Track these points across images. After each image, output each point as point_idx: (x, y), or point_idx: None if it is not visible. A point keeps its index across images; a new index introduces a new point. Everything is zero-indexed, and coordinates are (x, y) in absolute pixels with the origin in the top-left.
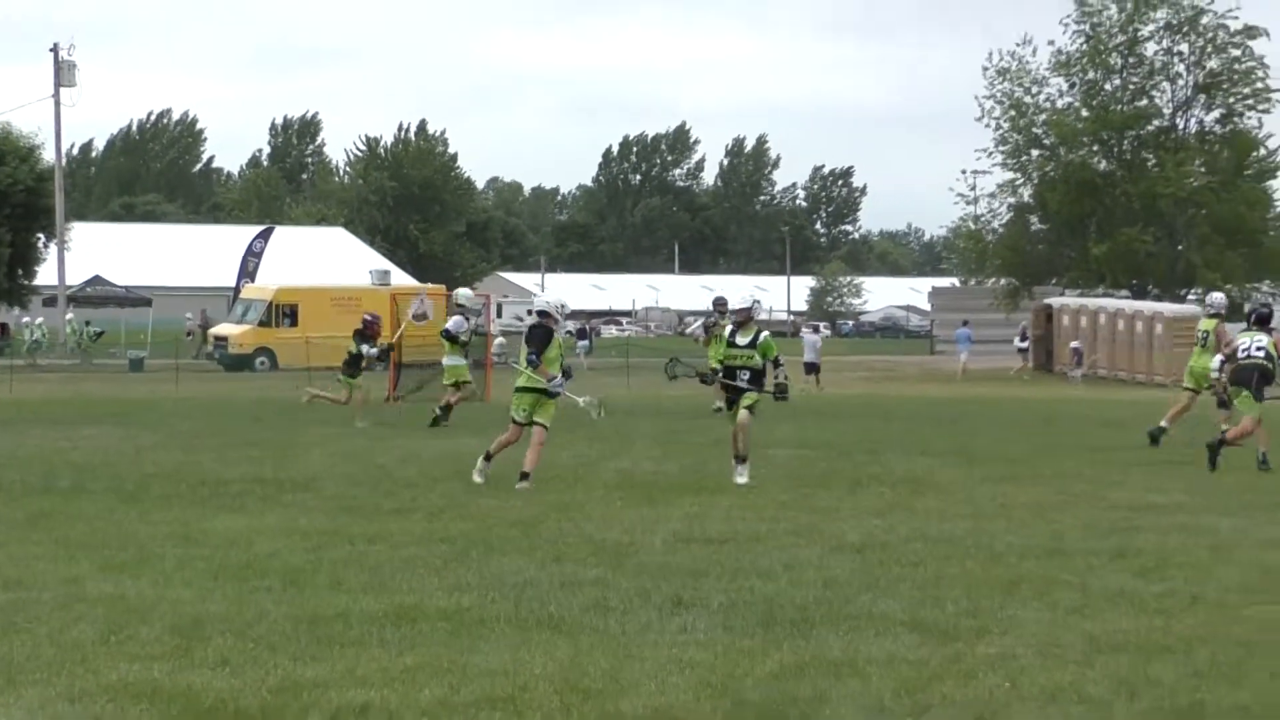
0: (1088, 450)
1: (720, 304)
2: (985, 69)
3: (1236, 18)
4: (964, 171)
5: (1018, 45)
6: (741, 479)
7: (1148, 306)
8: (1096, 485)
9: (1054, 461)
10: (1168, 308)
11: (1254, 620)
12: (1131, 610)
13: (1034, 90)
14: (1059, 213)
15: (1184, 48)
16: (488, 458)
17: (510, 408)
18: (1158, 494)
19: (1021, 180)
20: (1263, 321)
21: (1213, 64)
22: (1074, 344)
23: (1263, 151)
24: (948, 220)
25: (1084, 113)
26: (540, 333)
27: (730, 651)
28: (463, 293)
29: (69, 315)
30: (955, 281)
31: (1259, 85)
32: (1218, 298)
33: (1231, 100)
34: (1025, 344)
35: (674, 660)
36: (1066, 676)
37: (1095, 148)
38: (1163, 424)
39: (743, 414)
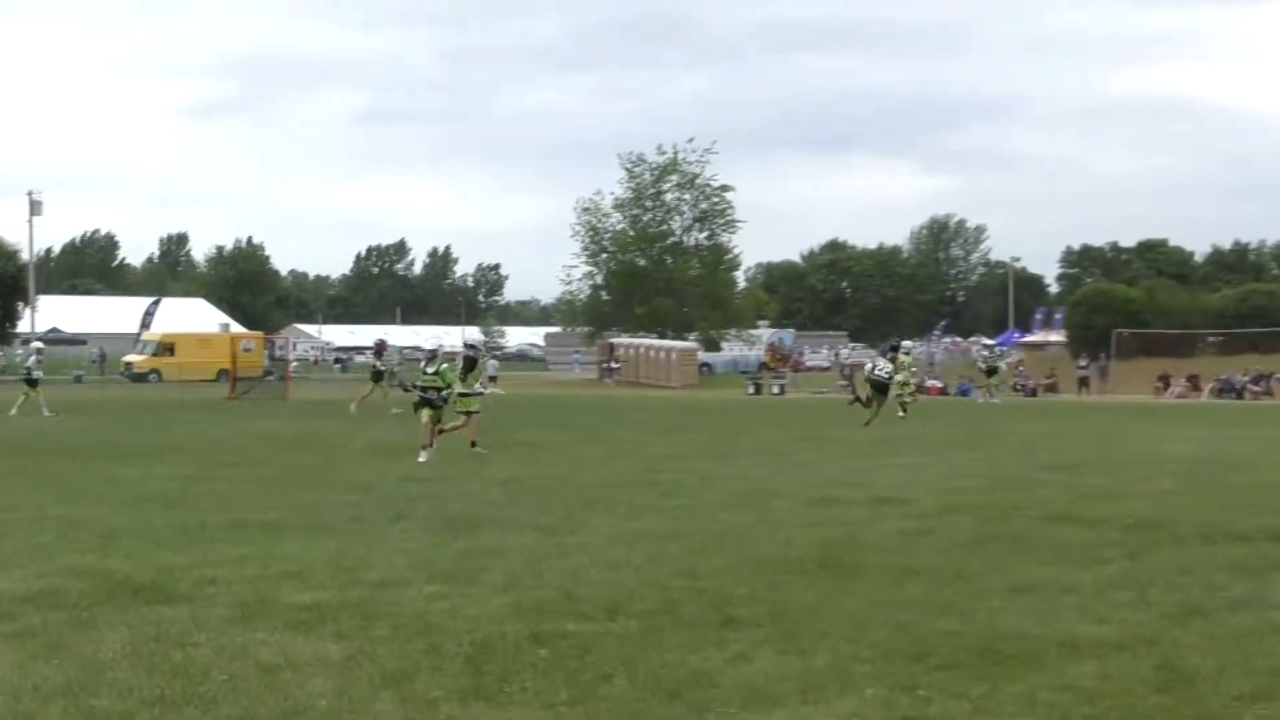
0: (632, 424)
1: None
2: (573, 208)
3: (716, 178)
4: (563, 266)
5: (594, 194)
6: (422, 457)
7: (668, 344)
8: (638, 445)
9: (611, 431)
10: (678, 345)
11: (727, 522)
12: (657, 516)
13: (603, 219)
14: (618, 290)
15: (687, 196)
16: (430, 445)
17: (456, 406)
18: (674, 449)
19: (597, 271)
20: (894, 350)
21: (703, 206)
22: (613, 364)
23: (731, 255)
24: (556, 293)
25: (631, 232)
26: (470, 361)
27: (430, 545)
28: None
29: (35, 351)
30: (559, 329)
31: (729, 218)
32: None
33: (714, 227)
34: (617, 365)
35: (398, 550)
36: (620, 554)
37: (639, 252)
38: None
39: (426, 414)
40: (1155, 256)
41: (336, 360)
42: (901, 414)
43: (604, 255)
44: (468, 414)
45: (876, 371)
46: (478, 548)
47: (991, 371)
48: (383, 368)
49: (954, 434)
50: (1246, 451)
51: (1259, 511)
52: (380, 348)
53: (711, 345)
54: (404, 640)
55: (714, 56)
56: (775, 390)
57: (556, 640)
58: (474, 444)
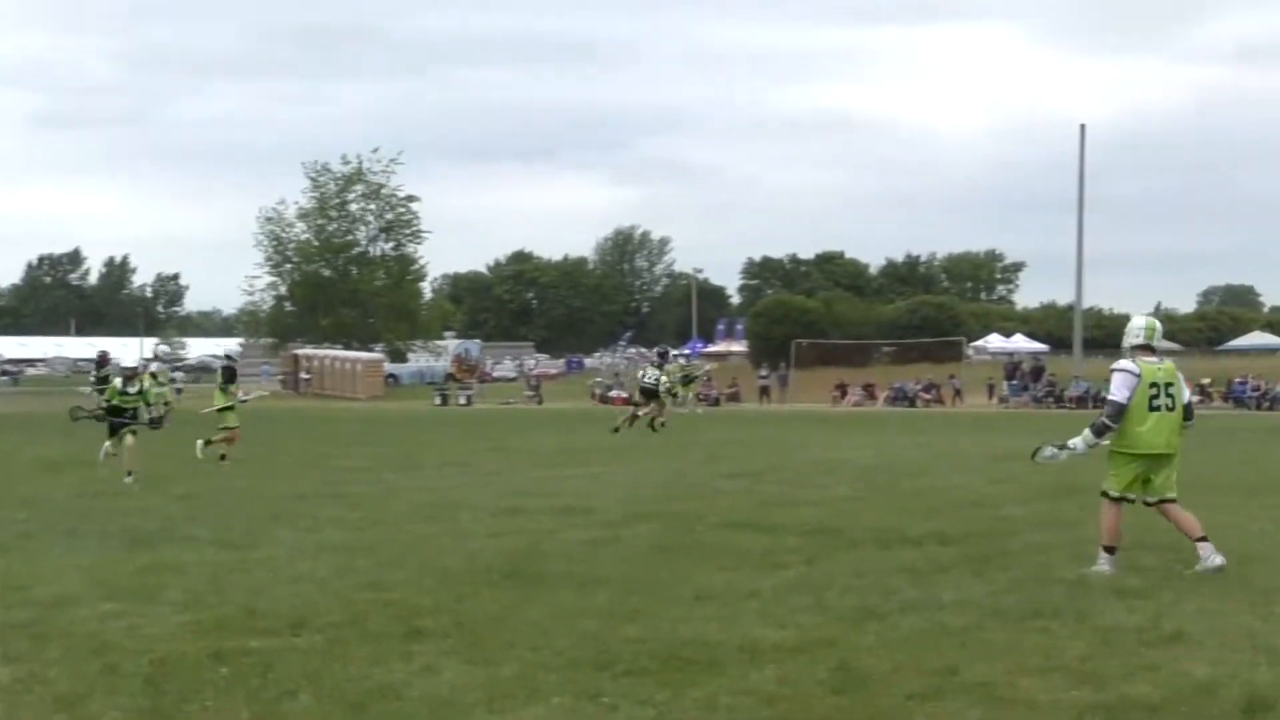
0: (317, 436)
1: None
2: (256, 218)
3: (402, 188)
4: (246, 277)
5: (278, 204)
6: (128, 479)
7: (354, 355)
8: (324, 457)
9: (296, 443)
10: (364, 356)
11: (413, 534)
12: (342, 529)
13: (287, 229)
14: (302, 301)
15: (373, 206)
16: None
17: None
18: (360, 461)
19: (281, 281)
20: (662, 357)
21: (389, 216)
22: (304, 375)
23: (417, 265)
24: (239, 304)
25: (315, 243)
26: (231, 371)
27: (106, 561)
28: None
29: None
30: (242, 340)
31: (415, 228)
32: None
33: (400, 237)
34: (307, 376)
35: (70, 566)
36: (304, 567)
37: (323, 263)
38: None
39: (129, 438)
40: (832, 268)
41: (4, 373)
42: (664, 421)
43: (288, 266)
44: (228, 429)
45: (645, 379)
46: (156, 564)
47: (688, 381)
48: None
49: (638, 443)
50: (918, 458)
51: (929, 516)
52: (103, 359)
53: (398, 356)
54: (78, 661)
55: (402, 67)
56: (462, 401)
57: (239, 657)
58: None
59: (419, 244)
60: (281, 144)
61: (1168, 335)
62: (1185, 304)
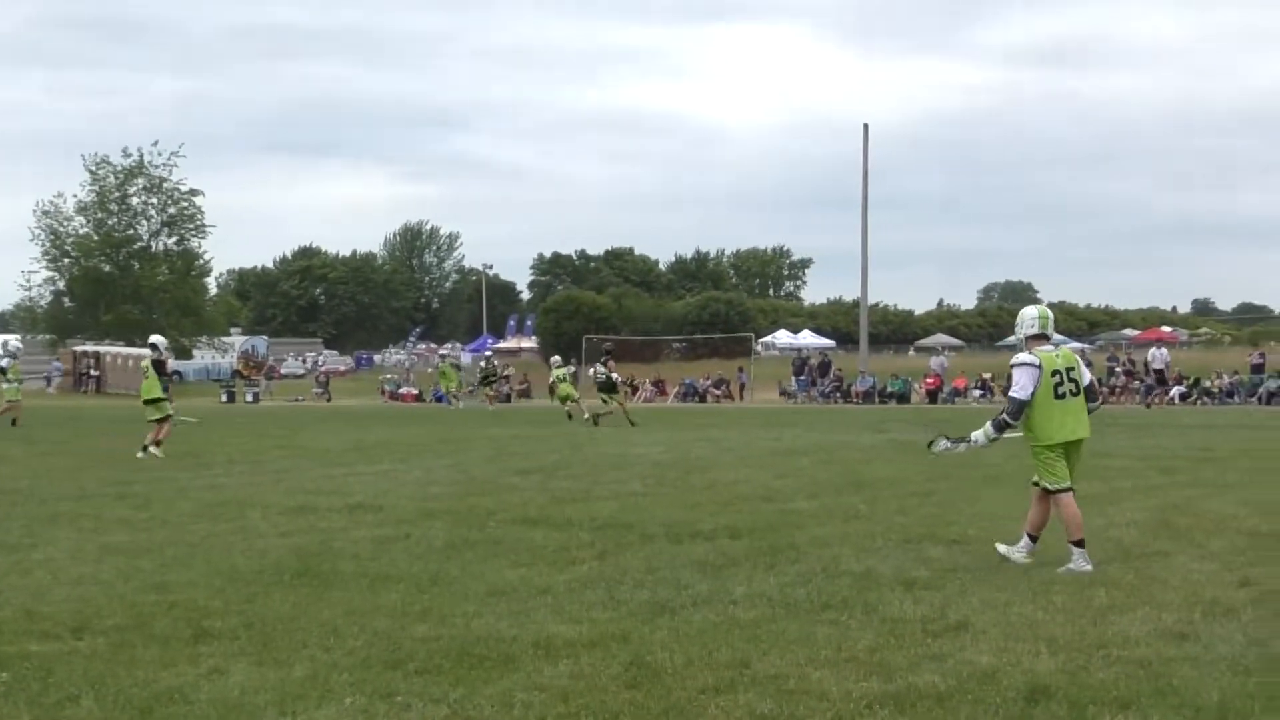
0: (102, 435)
1: None
2: (34, 211)
3: (185, 182)
4: (23, 272)
5: (55, 197)
6: None
7: (136, 351)
8: (108, 456)
9: (80, 442)
10: (148, 352)
11: (201, 533)
12: (127, 529)
13: (65, 223)
14: (81, 296)
15: (155, 200)
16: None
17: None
18: (145, 460)
19: (59, 276)
20: (608, 355)
21: (172, 210)
22: (93, 372)
23: (202, 261)
24: (13, 299)
25: (95, 237)
26: (159, 364)
27: None
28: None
29: None
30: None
31: (199, 223)
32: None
33: (183, 232)
34: (97, 374)
35: None
36: (87, 569)
37: (103, 257)
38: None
39: None
40: (622, 264)
41: None
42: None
43: (66, 260)
44: (162, 419)
45: (597, 375)
46: None
47: (487, 379)
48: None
49: (429, 439)
50: (708, 453)
51: (718, 510)
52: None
53: (183, 353)
54: None
55: (188, 59)
56: (249, 399)
57: (18, 662)
58: (154, 445)
59: (203, 238)
60: (59, 137)
61: (950, 331)
62: (966, 300)
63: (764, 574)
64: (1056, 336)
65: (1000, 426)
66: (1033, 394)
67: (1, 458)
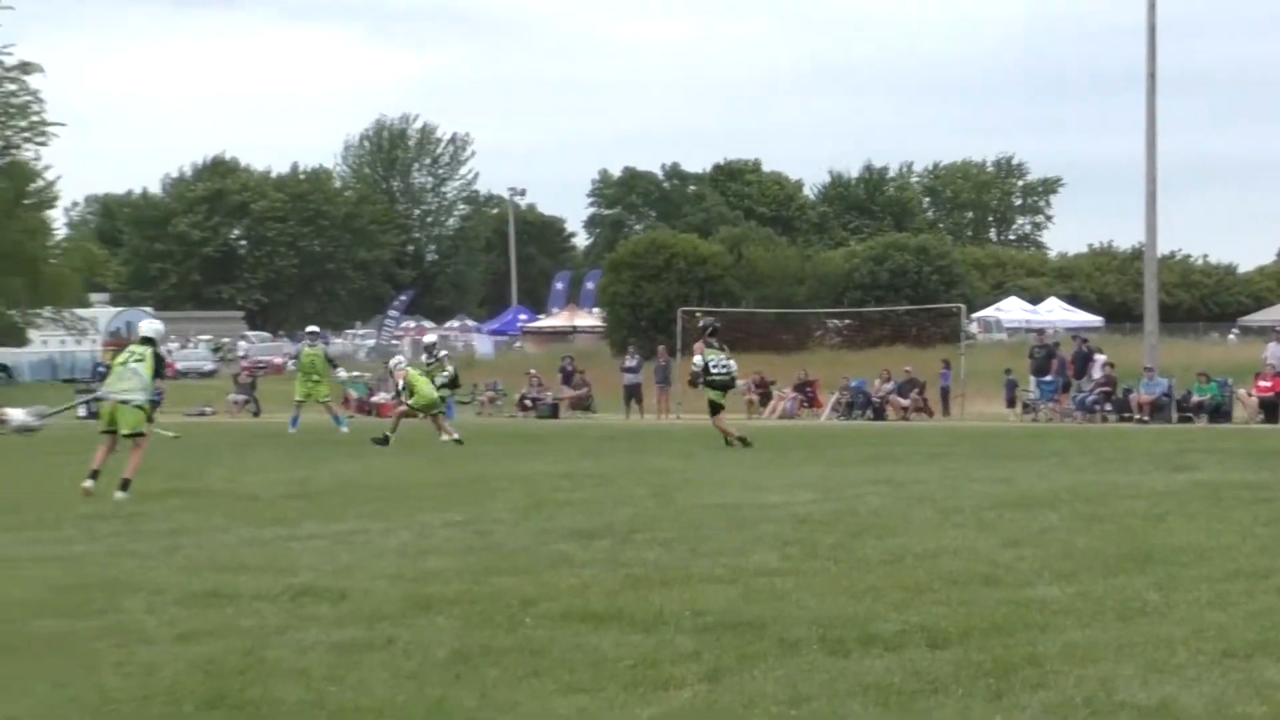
0: None
1: None
2: None
3: (11, 54)
4: None
5: None
6: None
7: None
8: None
9: None
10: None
11: (39, 635)
12: None
13: None
14: None
15: None
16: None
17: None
18: None
19: None
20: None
21: None
22: None
23: (41, 183)
24: None
25: None
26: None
27: None
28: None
29: None
30: None
31: (35, 119)
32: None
33: (9, 133)
34: None
35: None
36: None
37: None
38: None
39: None
40: (740, 188)
41: None
42: None
43: None
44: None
45: (719, 367)
46: None
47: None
48: None
49: (423, 480)
50: (888, 504)
51: (908, 601)
52: None
53: (12, 335)
54: None
55: None
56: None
57: None
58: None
59: (42, 145)
60: None
61: None
62: None
63: (986, 708)
64: None
65: None
66: None
67: None
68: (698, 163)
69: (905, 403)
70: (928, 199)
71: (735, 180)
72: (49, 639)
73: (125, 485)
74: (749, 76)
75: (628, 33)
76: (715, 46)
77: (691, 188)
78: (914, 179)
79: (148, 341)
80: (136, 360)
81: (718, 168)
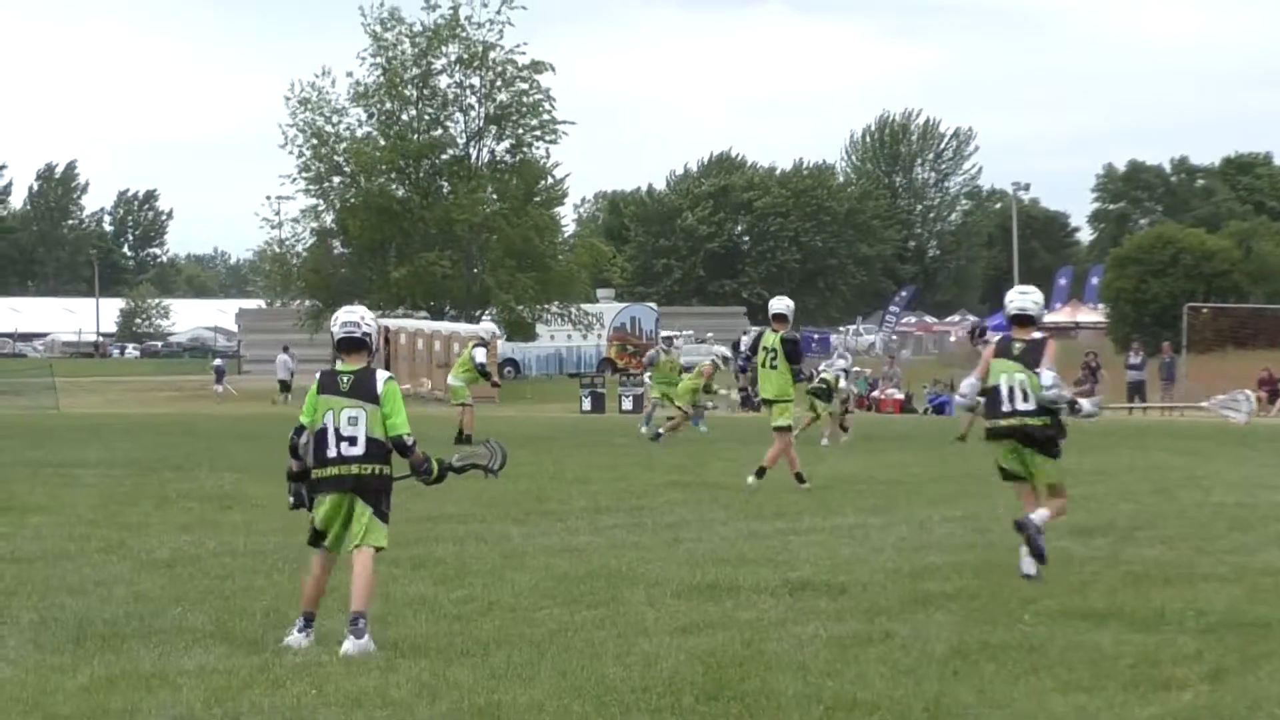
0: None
1: None
2: (288, 99)
3: (524, 53)
4: (269, 197)
5: (317, 76)
6: None
7: (448, 327)
8: (400, 498)
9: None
10: (464, 328)
11: (545, 623)
12: (432, 616)
13: (335, 120)
14: (360, 237)
15: (475, 81)
16: None
17: None
18: (452, 505)
19: (324, 206)
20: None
21: (502, 97)
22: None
23: (550, 180)
24: (254, 244)
25: (382, 142)
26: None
27: (41, 668)
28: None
29: None
30: (262, 303)
31: (546, 117)
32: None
33: (521, 131)
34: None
35: None
36: (370, 682)
37: (393, 175)
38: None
39: None
40: (1251, 181)
41: None
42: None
43: (337, 180)
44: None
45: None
46: (122, 674)
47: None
48: None
49: (917, 474)
50: None
51: None
52: None
53: (521, 330)
54: None
55: None
56: (627, 404)
57: None
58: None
59: (553, 143)
60: None
61: None
62: None
63: None
64: None
65: None
66: None
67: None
68: (1206, 155)
69: None
70: None
71: (1246, 173)
72: (554, 628)
73: (761, 473)
74: (1261, 65)
75: (1134, 24)
76: (1226, 35)
77: (1200, 181)
78: None
79: None
80: None
81: (1227, 160)
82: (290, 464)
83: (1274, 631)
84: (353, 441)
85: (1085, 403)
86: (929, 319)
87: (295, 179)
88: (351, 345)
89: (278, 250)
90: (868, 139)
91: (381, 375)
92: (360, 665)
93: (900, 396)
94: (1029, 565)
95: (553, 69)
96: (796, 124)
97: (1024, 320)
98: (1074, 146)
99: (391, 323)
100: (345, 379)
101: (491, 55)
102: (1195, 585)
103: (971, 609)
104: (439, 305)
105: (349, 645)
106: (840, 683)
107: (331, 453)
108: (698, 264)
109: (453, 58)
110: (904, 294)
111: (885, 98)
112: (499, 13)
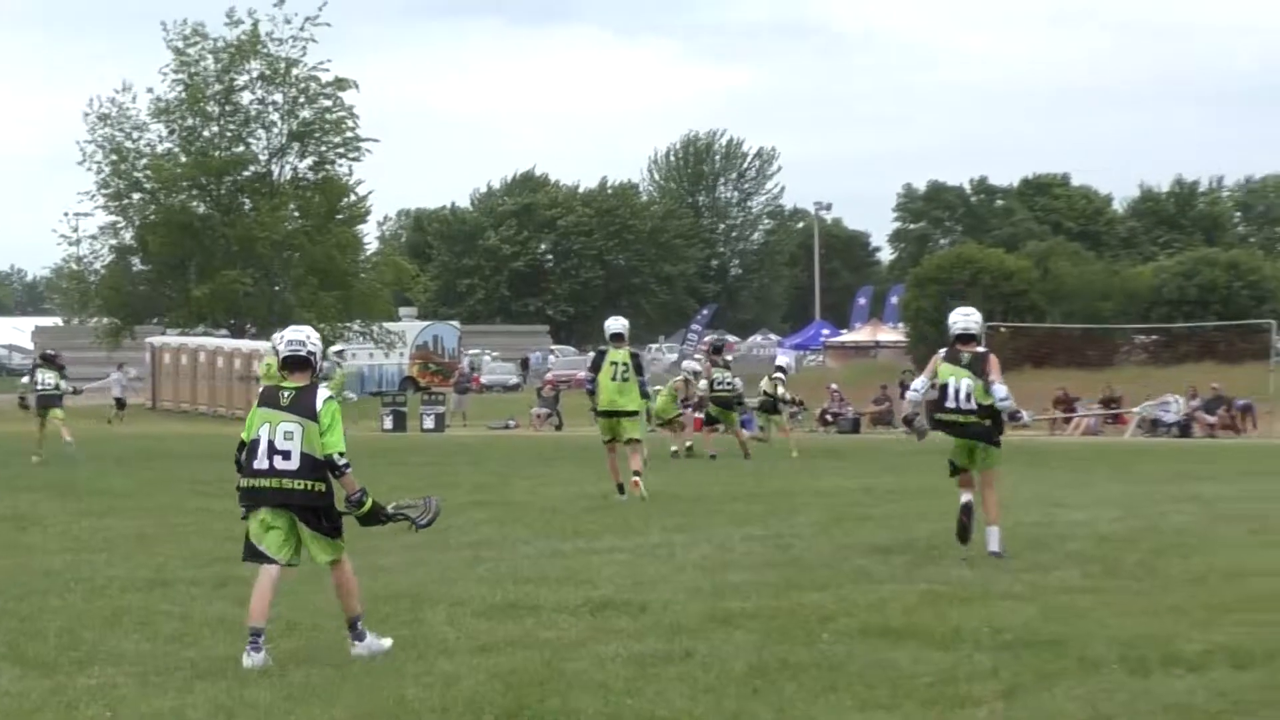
0: (192, 483)
1: None
2: (86, 114)
3: (328, 70)
4: (67, 214)
5: (118, 92)
6: None
7: (246, 344)
8: (201, 517)
9: (158, 495)
10: (264, 345)
11: (345, 644)
12: (230, 636)
13: (135, 136)
14: (159, 254)
15: (278, 97)
16: None
17: None
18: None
19: (123, 223)
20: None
21: (305, 114)
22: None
23: (353, 197)
24: (51, 261)
25: (183, 158)
26: None
27: None
28: None
29: None
30: (59, 321)
31: (349, 134)
32: None
33: (324, 148)
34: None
35: None
36: (167, 703)
37: (194, 192)
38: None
39: None
40: (1049, 202)
41: None
42: None
43: (137, 196)
44: None
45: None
46: None
47: (771, 407)
48: None
49: (724, 493)
50: (1194, 522)
51: (1213, 620)
52: None
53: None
54: None
55: None
56: (429, 423)
57: None
58: None
59: (355, 161)
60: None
61: None
62: None
63: None
64: None
65: None
66: None
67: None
68: (1005, 176)
69: (1212, 420)
70: (1239, 214)
71: (1043, 194)
72: (138, 609)
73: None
74: (1056, 89)
75: (934, 46)
76: (1019, 59)
77: (999, 201)
78: (1225, 193)
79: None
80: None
81: (1025, 181)
82: (239, 480)
83: (1068, 649)
84: (286, 456)
85: (1025, 414)
86: (731, 338)
87: (94, 195)
88: (296, 364)
89: (75, 268)
90: (671, 158)
91: (323, 393)
92: (157, 687)
93: (701, 416)
94: (995, 543)
95: (356, 86)
96: (602, 143)
97: (967, 338)
98: (874, 166)
99: (190, 340)
100: (286, 394)
101: (294, 72)
102: (991, 604)
103: (772, 627)
104: (240, 323)
105: (358, 649)
106: (640, 701)
107: (262, 464)
108: (501, 283)
109: (255, 74)
110: (705, 312)
111: (691, 117)
112: (302, 29)
